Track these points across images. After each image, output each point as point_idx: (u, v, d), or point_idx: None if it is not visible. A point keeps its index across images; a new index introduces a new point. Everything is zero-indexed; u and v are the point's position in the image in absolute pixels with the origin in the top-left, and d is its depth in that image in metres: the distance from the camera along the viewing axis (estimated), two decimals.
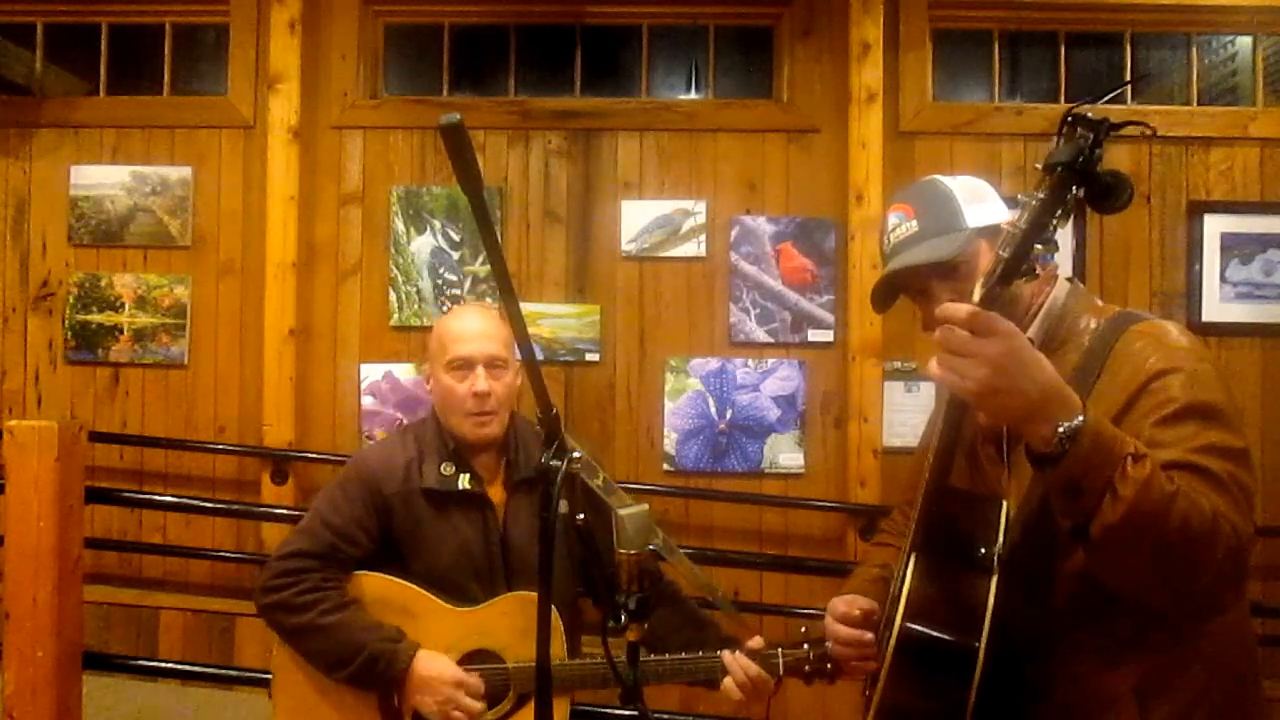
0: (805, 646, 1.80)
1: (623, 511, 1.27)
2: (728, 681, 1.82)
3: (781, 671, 1.80)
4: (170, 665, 3.48)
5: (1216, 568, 1.13)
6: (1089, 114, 1.09)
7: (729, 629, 2.01)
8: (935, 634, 1.29)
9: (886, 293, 1.49)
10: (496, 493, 2.01)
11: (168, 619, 3.70)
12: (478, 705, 1.86)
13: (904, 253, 1.43)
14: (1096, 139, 1.08)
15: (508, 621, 1.91)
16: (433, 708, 1.85)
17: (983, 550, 1.31)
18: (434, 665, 1.86)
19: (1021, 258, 1.11)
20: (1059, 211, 1.10)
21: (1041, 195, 1.10)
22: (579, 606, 2.10)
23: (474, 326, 1.97)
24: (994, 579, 1.28)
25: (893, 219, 1.46)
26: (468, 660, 1.92)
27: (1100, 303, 1.41)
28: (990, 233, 1.36)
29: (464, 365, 1.94)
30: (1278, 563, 3.58)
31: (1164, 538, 1.11)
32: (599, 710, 2.93)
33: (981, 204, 1.40)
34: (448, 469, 1.96)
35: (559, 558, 1.98)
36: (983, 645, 1.24)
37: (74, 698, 2.40)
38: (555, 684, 1.84)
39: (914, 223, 1.43)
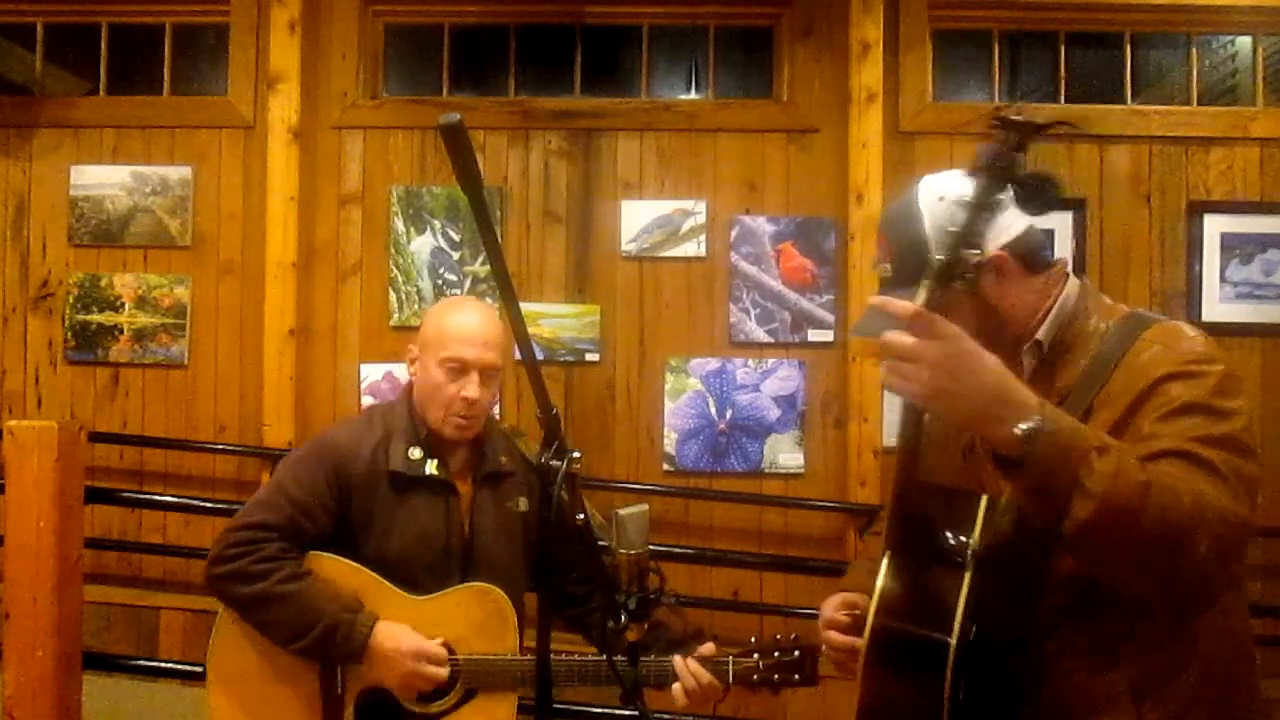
0: (755, 656, 1.81)
1: (623, 511, 1.27)
2: (676, 687, 1.80)
3: (731, 680, 1.80)
4: (170, 665, 3.47)
5: (1200, 556, 1.12)
6: (1015, 116, 1.11)
7: (679, 630, 1.99)
8: (906, 629, 1.28)
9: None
10: (463, 484, 1.98)
11: (168, 619, 3.69)
12: (442, 671, 1.82)
13: (873, 305, 1.45)
14: (1020, 142, 1.11)
15: (462, 613, 1.88)
16: (395, 679, 1.82)
17: (955, 545, 1.30)
18: (394, 636, 1.82)
19: (955, 262, 1.13)
20: (985, 214, 1.12)
21: (970, 199, 1.11)
22: (524, 601, 2.07)
23: (478, 330, 1.94)
24: (968, 573, 1.27)
25: (878, 251, 1.46)
26: None
27: (1109, 301, 1.40)
28: (970, 276, 1.32)
29: (460, 367, 1.92)
30: (1278, 562, 3.58)
31: (1141, 528, 1.11)
32: (599, 710, 2.93)
33: (1054, 185, 1.33)
34: (415, 454, 1.93)
35: (513, 553, 1.98)
36: (954, 639, 1.23)
37: (74, 698, 2.40)
38: (504, 679, 1.84)
39: (888, 266, 1.43)
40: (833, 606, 1.51)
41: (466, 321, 1.95)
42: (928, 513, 1.34)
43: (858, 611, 1.47)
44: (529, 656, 1.83)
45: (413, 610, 1.89)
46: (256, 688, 1.89)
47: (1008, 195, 1.38)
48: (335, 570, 1.90)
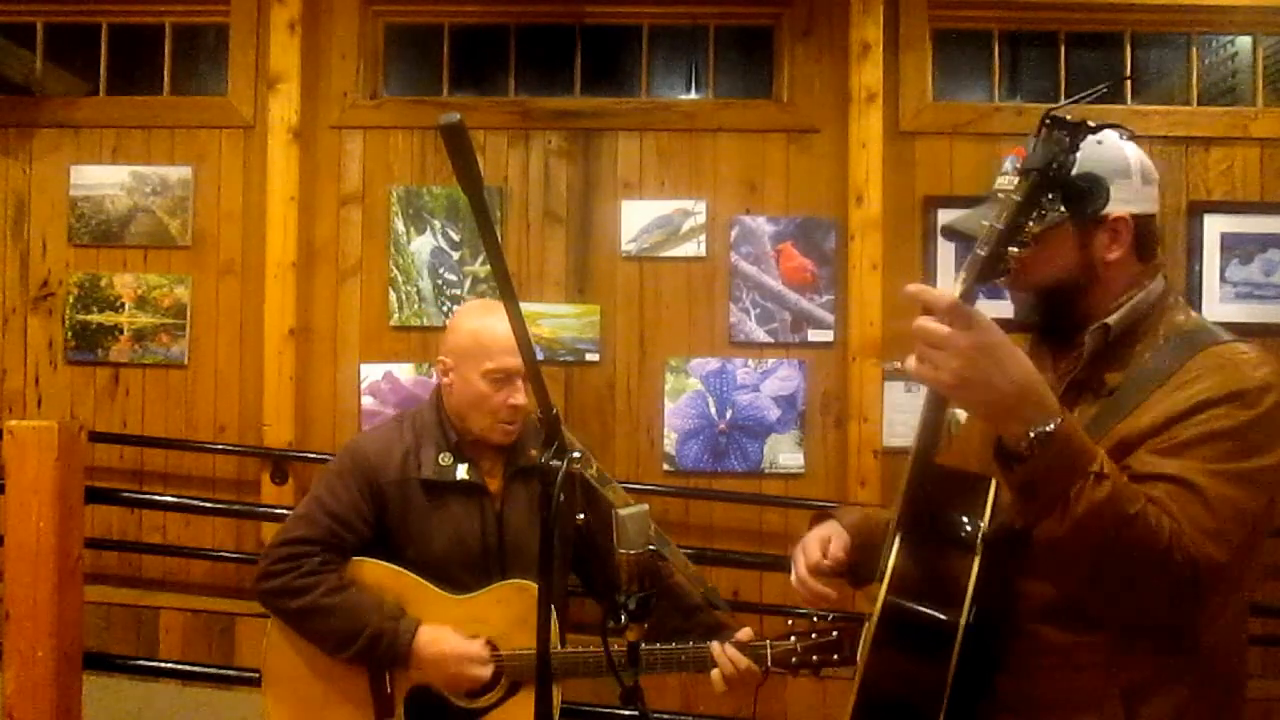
0: (793, 639, 1.82)
1: (623, 511, 1.28)
2: (715, 673, 1.84)
3: (769, 663, 1.82)
4: (170, 665, 3.48)
5: (1161, 594, 1.15)
6: (1067, 116, 1.10)
7: (717, 616, 2.02)
8: (917, 608, 1.30)
9: (954, 235, 1.48)
10: (494, 482, 2.02)
11: (168, 619, 3.69)
12: (486, 671, 1.88)
13: (981, 208, 1.39)
14: (1073, 144, 1.10)
15: (503, 610, 1.92)
16: (441, 681, 1.89)
17: (968, 529, 1.31)
18: (436, 639, 1.88)
19: (998, 257, 1.13)
20: (1034, 214, 1.12)
21: (1017, 198, 1.11)
22: (568, 599, 2.11)
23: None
24: (977, 558, 1.28)
25: (1007, 162, 1.41)
26: None
27: (1185, 310, 1.38)
28: (1089, 225, 1.31)
29: (506, 377, 1.95)
30: (1278, 563, 3.58)
31: (1105, 559, 1.14)
32: (599, 710, 2.93)
33: (1103, 190, 1.30)
34: (445, 459, 1.98)
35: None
36: (963, 621, 1.24)
37: (74, 698, 2.40)
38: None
39: (1015, 179, 1.37)
40: (818, 547, 1.54)
41: (503, 329, 1.95)
42: (942, 496, 1.35)
43: (834, 561, 1.51)
44: (571, 650, 1.91)
45: (456, 609, 1.93)
46: (309, 689, 1.95)
47: (1134, 174, 1.34)
48: (378, 575, 1.95)
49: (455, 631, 1.90)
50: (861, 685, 1.34)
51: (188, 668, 3.38)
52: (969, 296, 1.14)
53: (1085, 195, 1.18)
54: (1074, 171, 1.14)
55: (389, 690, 1.92)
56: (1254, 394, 1.22)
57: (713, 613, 2.01)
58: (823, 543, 1.55)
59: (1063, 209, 1.17)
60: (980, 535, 1.29)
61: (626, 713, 2.82)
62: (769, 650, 1.82)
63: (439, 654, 1.88)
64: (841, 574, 1.57)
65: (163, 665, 3.49)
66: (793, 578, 1.56)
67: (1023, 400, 1.12)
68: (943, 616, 1.26)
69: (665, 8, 3.93)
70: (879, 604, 1.31)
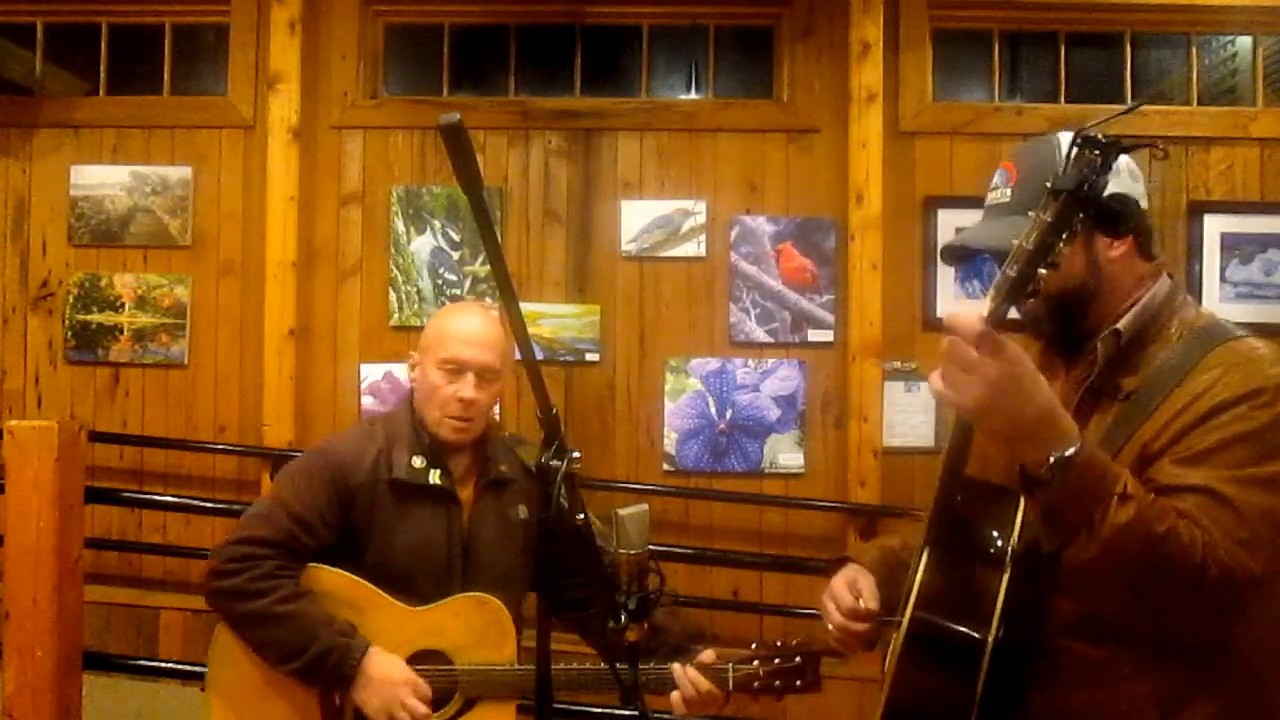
0: (755, 663, 1.80)
1: (623, 511, 1.27)
2: (675, 695, 1.80)
3: (731, 687, 1.79)
4: (170, 665, 3.47)
5: (1199, 609, 1.15)
6: (1099, 136, 1.08)
7: (680, 635, 1.98)
8: (945, 624, 1.29)
9: (958, 254, 1.47)
10: (465, 492, 1.97)
11: (168, 619, 3.69)
12: (423, 708, 1.82)
13: (983, 224, 1.39)
14: (1105, 164, 1.08)
15: (460, 622, 1.88)
16: (377, 706, 1.81)
17: (998, 544, 1.30)
18: (384, 664, 1.82)
19: (1027, 278, 1.11)
20: (1065, 235, 1.09)
21: (1048, 218, 1.09)
22: (522, 612, 2.06)
23: (475, 331, 1.93)
24: (1006, 573, 1.27)
25: (996, 176, 1.41)
26: (416, 660, 1.88)
27: (1196, 308, 1.37)
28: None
29: (456, 368, 1.91)
30: None
31: (1139, 578, 1.14)
32: (599, 711, 2.93)
33: (1134, 209, 1.28)
34: (419, 462, 1.93)
35: (512, 561, 1.95)
36: (991, 637, 1.24)
37: (74, 698, 2.40)
38: (504, 689, 1.85)
39: (1008, 190, 1.38)
40: (849, 592, 1.51)
41: (464, 324, 1.95)
42: (970, 510, 1.34)
43: (861, 601, 1.49)
44: (528, 666, 1.82)
45: (412, 620, 1.88)
46: (256, 699, 1.88)
47: (1123, 172, 1.32)
48: (334, 583, 1.89)
49: (402, 660, 1.84)
50: (889, 700, 1.33)
51: (188, 668, 3.37)
52: (998, 317, 1.12)
53: (1116, 216, 1.15)
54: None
55: (339, 703, 1.86)
56: (1271, 391, 1.21)
57: (677, 631, 1.94)
58: (851, 586, 1.52)
59: (1093, 228, 1.15)
60: (1010, 551, 1.29)
61: (626, 713, 2.82)
62: (731, 673, 1.79)
63: (386, 677, 1.80)
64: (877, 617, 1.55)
65: (163, 665, 3.49)
66: (829, 625, 1.53)
67: (1042, 426, 1.12)
68: (971, 633, 1.25)
69: (665, 8, 3.94)
70: (906, 618, 1.31)
